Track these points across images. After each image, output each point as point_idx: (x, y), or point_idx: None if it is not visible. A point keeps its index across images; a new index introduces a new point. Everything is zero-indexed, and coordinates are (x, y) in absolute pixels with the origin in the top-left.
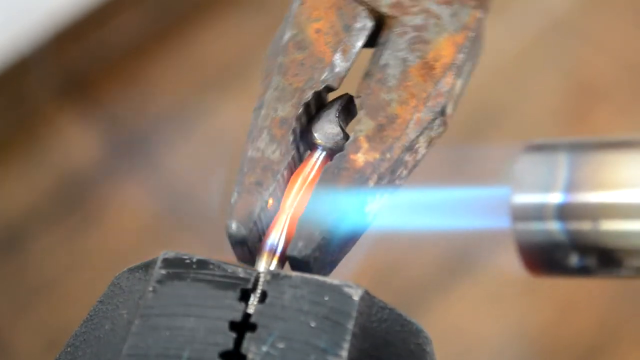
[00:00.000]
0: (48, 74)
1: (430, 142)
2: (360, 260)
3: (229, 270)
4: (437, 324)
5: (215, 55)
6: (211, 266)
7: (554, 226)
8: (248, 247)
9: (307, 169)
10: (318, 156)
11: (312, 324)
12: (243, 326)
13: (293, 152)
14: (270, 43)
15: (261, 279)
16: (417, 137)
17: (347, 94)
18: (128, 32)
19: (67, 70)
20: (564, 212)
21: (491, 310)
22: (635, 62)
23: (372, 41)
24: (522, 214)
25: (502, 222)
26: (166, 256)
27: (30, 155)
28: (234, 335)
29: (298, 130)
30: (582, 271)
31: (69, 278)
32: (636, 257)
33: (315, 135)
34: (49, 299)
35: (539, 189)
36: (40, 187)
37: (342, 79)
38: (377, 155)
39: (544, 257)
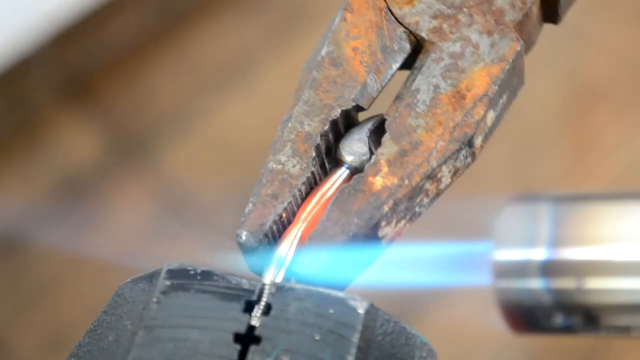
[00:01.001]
0: (48, 75)
1: (455, 173)
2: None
3: (234, 282)
4: (436, 325)
5: (215, 55)
6: (215, 277)
7: (537, 284)
8: (255, 258)
9: (328, 185)
10: (341, 174)
11: (317, 337)
12: (247, 338)
13: (314, 168)
14: (272, 45)
15: (266, 291)
16: (440, 165)
17: (381, 114)
18: (128, 32)
19: (67, 71)
20: (547, 270)
21: (491, 310)
22: (635, 62)
23: (409, 64)
24: (504, 271)
25: (483, 279)
26: (170, 267)
27: (30, 155)
28: (238, 347)
29: (323, 147)
30: (567, 330)
31: (69, 278)
32: (623, 315)
33: (342, 152)
34: (49, 299)
35: (522, 245)
36: (40, 187)
37: (373, 99)
38: (396, 181)
39: (527, 317)
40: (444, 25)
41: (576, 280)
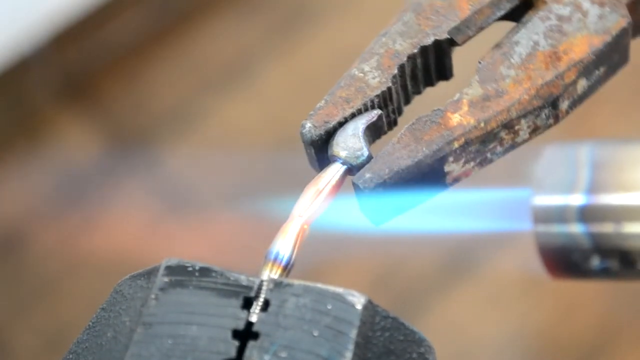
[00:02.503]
0: (48, 74)
1: (535, 130)
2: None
3: (232, 278)
4: (437, 324)
5: (215, 55)
6: (214, 274)
7: (575, 229)
8: (314, 152)
9: (323, 180)
10: (337, 170)
11: (315, 333)
12: (245, 334)
13: (392, 85)
14: (273, 45)
15: (264, 287)
16: (519, 118)
17: (378, 109)
18: (128, 32)
19: (67, 70)
20: (586, 214)
21: (491, 310)
22: (635, 62)
23: (516, 16)
24: (543, 216)
25: (523, 224)
26: (169, 263)
27: (30, 155)
28: (236, 343)
29: (407, 69)
30: (604, 273)
31: (69, 278)
32: None
33: (336, 147)
34: (49, 299)
35: (561, 191)
36: (40, 187)
37: (468, 38)
38: (472, 121)
39: (565, 260)
40: None
41: (614, 224)
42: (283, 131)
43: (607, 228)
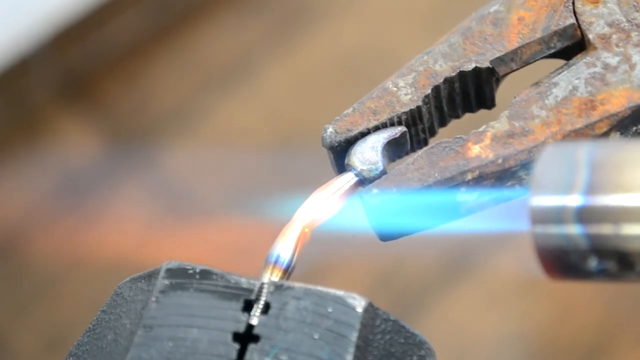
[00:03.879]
0: (48, 74)
1: None
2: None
3: (232, 281)
4: (437, 324)
5: (215, 55)
6: (214, 276)
7: (573, 230)
8: (333, 157)
9: (332, 187)
10: (348, 179)
11: (316, 336)
12: (246, 337)
13: (422, 105)
14: (273, 45)
15: (264, 290)
16: None
17: (403, 127)
18: (128, 32)
19: (67, 70)
20: (584, 215)
21: (491, 310)
22: None
23: (567, 56)
24: (541, 216)
25: (520, 225)
26: (169, 266)
27: (30, 155)
28: (237, 346)
29: (443, 91)
30: (602, 275)
31: (69, 278)
32: None
33: (353, 158)
34: (49, 299)
35: (559, 191)
36: (40, 187)
37: (510, 71)
38: (491, 155)
39: (563, 261)
40: (614, 36)
41: (613, 225)
42: (283, 131)
43: (605, 229)
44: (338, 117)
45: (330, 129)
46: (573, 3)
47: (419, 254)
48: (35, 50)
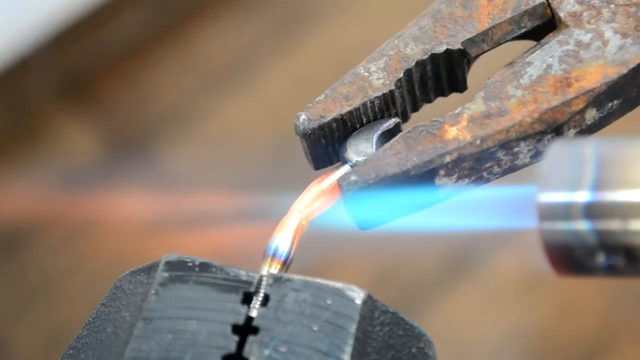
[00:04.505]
0: (48, 74)
1: (536, 155)
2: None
3: (232, 273)
4: (437, 324)
5: (215, 55)
6: (214, 269)
7: (581, 226)
8: (307, 144)
9: (328, 180)
10: (345, 171)
11: (315, 328)
12: (245, 329)
13: (395, 89)
14: (273, 45)
15: (264, 282)
16: (518, 140)
17: (397, 118)
18: (128, 32)
19: (67, 70)
20: (591, 211)
21: (491, 310)
22: None
23: (538, 36)
24: (548, 213)
25: (528, 221)
26: (169, 259)
27: (30, 155)
28: (236, 338)
29: (415, 75)
30: (609, 270)
31: (69, 278)
32: None
33: (348, 150)
34: (49, 299)
35: (566, 188)
36: (40, 187)
37: (481, 52)
38: (468, 137)
39: (571, 257)
40: (585, 14)
41: (620, 221)
42: (283, 131)
43: (613, 225)
44: (310, 104)
45: (303, 116)
46: None
47: (419, 254)
48: (35, 50)
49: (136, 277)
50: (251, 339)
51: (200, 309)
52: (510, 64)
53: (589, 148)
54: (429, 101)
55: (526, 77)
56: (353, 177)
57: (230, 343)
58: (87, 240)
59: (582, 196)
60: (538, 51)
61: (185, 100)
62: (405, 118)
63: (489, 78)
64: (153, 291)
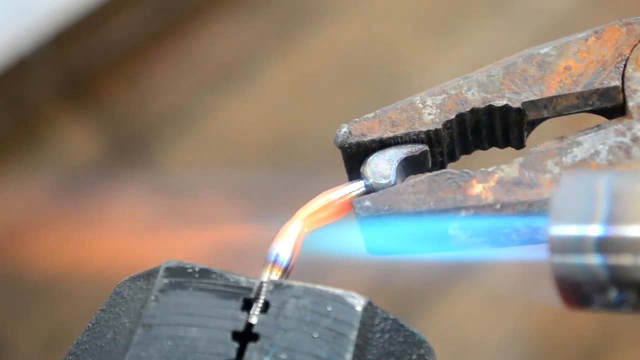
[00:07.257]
0: (48, 74)
1: None
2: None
3: (232, 280)
4: (436, 325)
5: (215, 55)
6: (213, 275)
7: (593, 260)
8: (344, 156)
9: (338, 192)
10: (357, 187)
11: (315, 335)
12: (245, 336)
13: (442, 128)
14: (273, 45)
15: (264, 289)
16: (539, 216)
17: (425, 145)
18: (128, 32)
19: (67, 70)
20: (604, 246)
21: (491, 310)
22: None
23: (604, 113)
24: (560, 246)
25: (540, 254)
26: (168, 265)
27: (30, 155)
28: (236, 345)
29: (468, 120)
30: (621, 306)
31: (69, 278)
32: None
33: (366, 167)
34: (49, 299)
35: (578, 221)
36: (40, 187)
37: (541, 117)
38: (490, 198)
39: (582, 292)
40: None
41: (632, 256)
42: (283, 131)
43: (625, 260)
44: (357, 119)
45: (344, 129)
46: (625, 66)
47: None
48: (35, 50)
49: (136, 283)
50: (251, 345)
51: (200, 315)
52: (561, 137)
53: (602, 181)
54: (483, 148)
55: (570, 156)
56: (367, 203)
57: (230, 350)
58: (87, 241)
59: (594, 230)
60: (592, 134)
61: (185, 100)
62: (452, 158)
63: (536, 146)
64: (153, 297)
